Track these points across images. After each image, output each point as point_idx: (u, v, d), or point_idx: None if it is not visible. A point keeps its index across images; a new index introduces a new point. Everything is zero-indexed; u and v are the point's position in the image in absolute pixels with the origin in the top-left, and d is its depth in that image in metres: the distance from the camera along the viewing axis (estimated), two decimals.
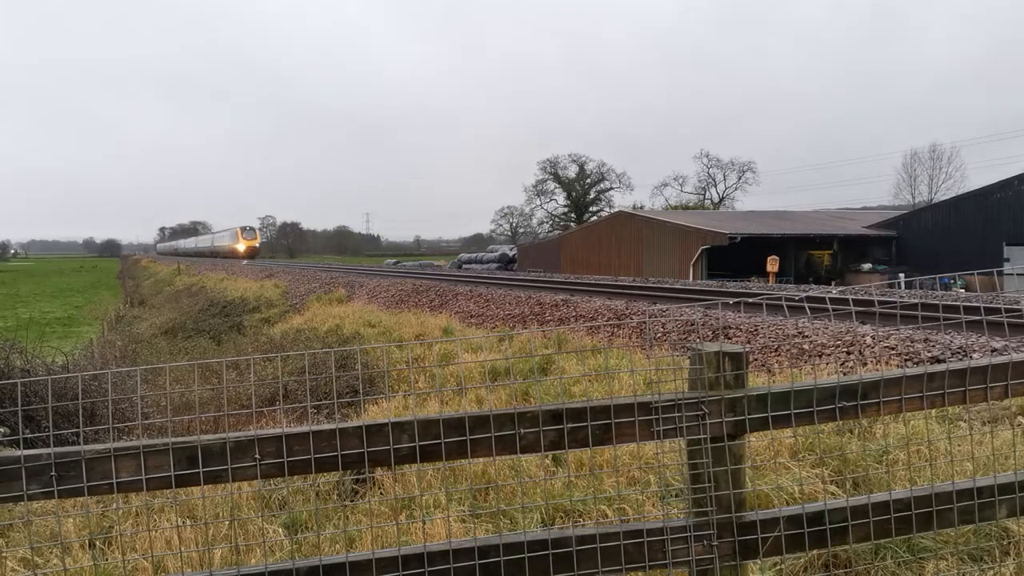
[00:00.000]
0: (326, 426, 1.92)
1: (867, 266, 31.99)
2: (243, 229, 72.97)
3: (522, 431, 2.00)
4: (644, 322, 8.87)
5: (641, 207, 59.39)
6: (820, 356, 7.03)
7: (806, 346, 7.30)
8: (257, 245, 74.27)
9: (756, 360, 7.39)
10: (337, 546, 3.21)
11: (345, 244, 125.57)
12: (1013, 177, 27.98)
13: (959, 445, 3.76)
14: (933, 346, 6.48)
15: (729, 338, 8.30)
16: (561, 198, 71.16)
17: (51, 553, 3.28)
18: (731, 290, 13.33)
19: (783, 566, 2.80)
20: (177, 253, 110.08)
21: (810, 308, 8.25)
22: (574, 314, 11.17)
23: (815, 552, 2.75)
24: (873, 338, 6.95)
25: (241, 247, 70.27)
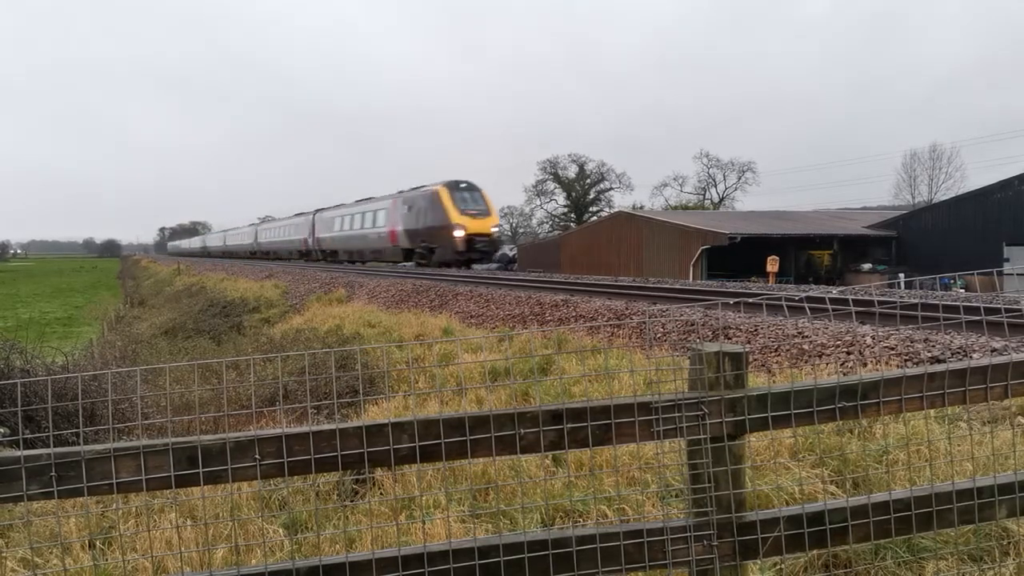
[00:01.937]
0: (326, 426, 1.92)
1: (867, 266, 32.00)
2: (454, 188, 29.76)
3: (522, 431, 2.00)
4: (644, 322, 8.87)
5: (641, 207, 59.39)
6: (820, 356, 7.03)
7: (806, 346, 7.30)
8: (494, 232, 30.53)
9: (756, 360, 7.38)
10: (337, 546, 3.21)
11: None
12: (1013, 177, 27.98)
13: (959, 445, 3.76)
14: (933, 346, 6.48)
15: (729, 338, 8.30)
16: (561, 198, 71.12)
17: (51, 553, 3.28)
18: (731, 290, 13.33)
19: (783, 566, 2.80)
20: (207, 253, 79.58)
21: (810, 308, 8.25)
22: (574, 314, 11.17)
23: (815, 552, 2.75)
24: (873, 338, 6.94)
25: (458, 233, 28.34)
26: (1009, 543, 2.83)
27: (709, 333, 8.45)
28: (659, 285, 15.51)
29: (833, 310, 7.02)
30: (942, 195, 49.41)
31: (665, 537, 2.07)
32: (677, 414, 2.06)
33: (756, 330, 8.15)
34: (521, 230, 75.99)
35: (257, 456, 1.88)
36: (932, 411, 4.14)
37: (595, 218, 59.05)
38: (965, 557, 2.79)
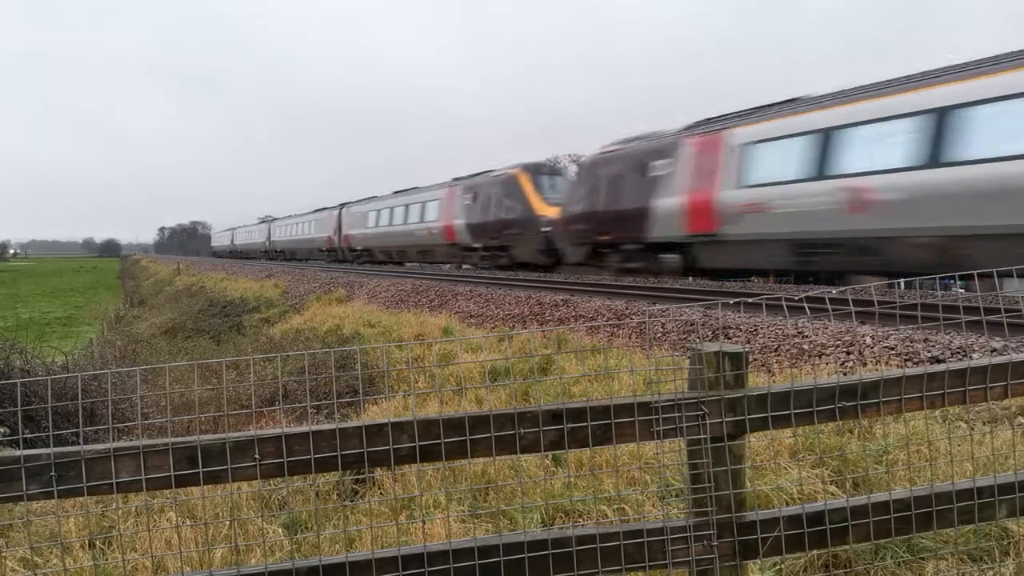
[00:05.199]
0: (326, 426, 1.92)
1: None
2: None
3: (522, 431, 2.00)
4: (644, 322, 8.87)
5: None
6: (820, 356, 7.03)
7: (806, 346, 7.30)
8: None
9: (756, 360, 7.38)
10: (337, 546, 3.21)
11: None
12: None
13: (959, 445, 3.76)
14: (933, 346, 6.48)
15: (729, 338, 8.30)
16: None
17: (51, 553, 3.28)
18: (731, 290, 13.32)
19: (783, 566, 2.80)
20: (237, 252, 59.89)
21: (810, 308, 8.25)
22: (574, 314, 11.17)
23: (815, 552, 2.75)
24: (873, 338, 6.94)
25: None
26: (1009, 543, 2.83)
27: (709, 333, 8.44)
28: (659, 285, 15.51)
29: (833, 310, 7.02)
30: None
31: (665, 537, 2.07)
32: (677, 414, 2.06)
33: (756, 330, 8.15)
34: None
35: (257, 456, 1.88)
36: (932, 411, 4.14)
37: None
38: (965, 557, 2.79)
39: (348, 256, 37.57)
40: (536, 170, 23.73)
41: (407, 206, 30.73)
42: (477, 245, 25.49)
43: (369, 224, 34.37)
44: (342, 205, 38.85)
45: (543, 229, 21.68)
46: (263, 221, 59.75)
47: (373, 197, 35.92)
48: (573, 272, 20.69)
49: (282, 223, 51.96)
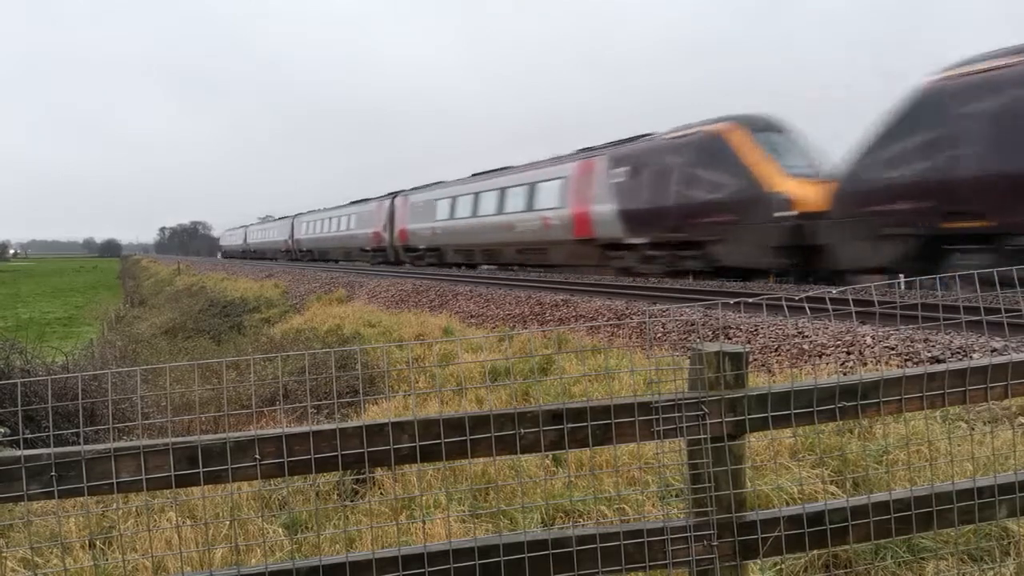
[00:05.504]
0: (326, 426, 1.92)
1: None
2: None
3: (522, 431, 2.00)
4: (644, 322, 8.86)
5: None
6: (820, 356, 7.03)
7: (806, 346, 7.30)
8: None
9: (756, 360, 7.38)
10: (337, 546, 3.21)
11: None
12: None
13: (959, 445, 3.76)
14: (933, 346, 6.47)
15: (729, 338, 8.29)
16: None
17: (51, 553, 3.28)
18: (731, 290, 13.32)
19: (783, 566, 2.80)
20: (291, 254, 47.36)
21: (810, 308, 8.24)
22: (574, 314, 11.17)
23: (815, 552, 2.75)
24: (873, 338, 6.94)
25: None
26: (1009, 543, 2.83)
27: (709, 333, 8.44)
28: (659, 285, 15.50)
29: (833, 310, 7.02)
30: None
31: (665, 537, 2.07)
32: (677, 414, 2.07)
33: (756, 330, 8.15)
34: None
35: (257, 456, 1.88)
36: (932, 411, 4.14)
37: None
38: (965, 557, 2.79)
39: (404, 257, 30.46)
40: (755, 124, 15.00)
41: (503, 190, 22.93)
42: (638, 240, 17.52)
43: (439, 216, 26.84)
44: (394, 194, 31.98)
45: (778, 214, 13.71)
46: (283, 217, 52.43)
47: (440, 182, 28.87)
48: (851, 282, 12.72)
49: (309, 218, 44.68)
